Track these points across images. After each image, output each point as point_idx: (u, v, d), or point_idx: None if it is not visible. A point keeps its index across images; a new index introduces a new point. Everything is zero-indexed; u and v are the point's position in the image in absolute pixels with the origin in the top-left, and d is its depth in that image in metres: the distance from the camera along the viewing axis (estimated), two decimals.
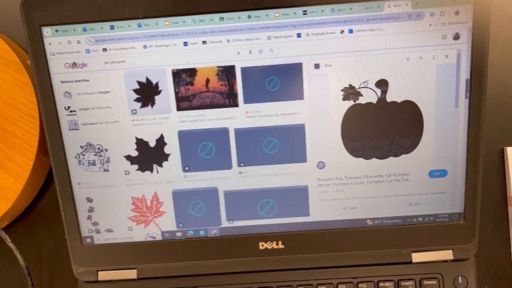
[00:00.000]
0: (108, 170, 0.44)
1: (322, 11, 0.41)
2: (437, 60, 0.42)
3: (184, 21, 0.41)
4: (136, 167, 0.44)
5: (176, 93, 0.42)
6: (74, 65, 0.42)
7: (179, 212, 0.45)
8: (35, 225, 0.51)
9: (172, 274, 0.46)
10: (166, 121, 0.43)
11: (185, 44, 0.41)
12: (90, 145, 0.43)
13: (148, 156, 0.44)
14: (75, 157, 0.44)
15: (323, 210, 0.45)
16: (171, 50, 0.42)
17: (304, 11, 0.41)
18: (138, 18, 0.41)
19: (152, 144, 0.44)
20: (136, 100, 0.43)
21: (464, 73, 0.42)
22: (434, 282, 0.45)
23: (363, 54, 0.41)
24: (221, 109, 0.43)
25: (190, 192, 0.45)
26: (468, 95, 0.42)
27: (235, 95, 0.42)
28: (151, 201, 0.45)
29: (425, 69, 0.42)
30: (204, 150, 0.44)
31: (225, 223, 0.46)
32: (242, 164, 0.44)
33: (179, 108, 0.43)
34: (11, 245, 0.46)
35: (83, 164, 0.44)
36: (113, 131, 0.43)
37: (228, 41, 0.41)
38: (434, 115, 0.43)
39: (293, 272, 0.46)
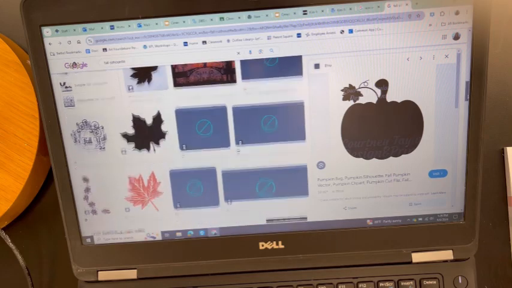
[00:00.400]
0: (104, 148, 0.44)
1: (322, 11, 0.41)
2: (437, 60, 0.42)
3: (184, 21, 0.41)
4: (132, 145, 0.44)
5: (173, 69, 0.42)
6: (74, 65, 0.42)
7: (177, 192, 0.45)
8: (35, 225, 0.51)
9: (172, 274, 0.46)
10: (163, 98, 0.43)
11: (185, 44, 0.41)
12: (86, 122, 0.43)
13: (145, 134, 0.43)
14: (71, 135, 0.43)
15: (323, 210, 0.45)
16: (171, 50, 0.42)
17: (304, 11, 0.41)
18: (138, 18, 0.41)
19: (149, 121, 0.43)
20: (133, 76, 0.42)
21: (464, 73, 0.42)
22: (434, 282, 0.45)
23: (363, 54, 0.41)
24: (219, 86, 0.42)
25: (188, 172, 0.44)
26: (468, 95, 0.42)
27: (233, 71, 0.42)
28: (148, 181, 0.44)
29: (425, 69, 0.42)
30: (201, 128, 0.43)
31: (223, 203, 0.45)
32: (240, 143, 0.44)
33: (176, 85, 0.42)
34: (11, 245, 0.46)
35: (79, 142, 0.43)
36: (109, 107, 0.43)
37: (228, 41, 0.41)
38: (434, 115, 0.43)
39: (293, 272, 0.46)
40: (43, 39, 0.41)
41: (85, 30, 0.41)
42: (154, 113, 0.43)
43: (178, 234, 0.46)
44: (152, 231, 0.46)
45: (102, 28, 0.41)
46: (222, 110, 0.43)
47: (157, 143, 0.44)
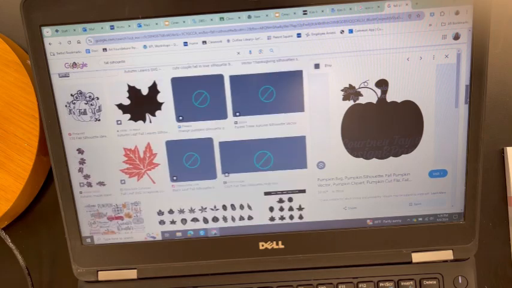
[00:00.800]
0: (99, 120, 0.43)
1: (322, 11, 0.41)
2: (437, 60, 0.42)
3: (184, 21, 0.41)
4: (128, 116, 0.43)
5: None
6: (74, 65, 0.42)
7: (173, 164, 0.44)
8: (35, 225, 0.51)
9: (172, 274, 0.46)
10: (159, 67, 0.42)
11: (185, 44, 0.41)
12: (80, 93, 0.43)
13: (141, 104, 0.43)
14: (66, 106, 0.43)
15: (323, 210, 0.45)
16: (171, 50, 0.42)
17: (304, 11, 0.41)
18: (138, 18, 0.41)
19: (145, 92, 0.43)
20: None
21: (465, 73, 0.42)
22: (434, 282, 0.45)
23: (363, 54, 0.41)
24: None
25: (185, 143, 0.44)
26: (468, 94, 0.42)
27: None
28: (144, 153, 0.44)
29: (425, 69, 0.42)
30: (198, 98, 0.43)
31: (220, 176, 0.45)
32: (238, 114, 0.43)
33: None
34: (11, 245, 0.46)
35: (74, 113, 0.43)
36: (104, 77, 0.42)
37: (228, 41, 0.41)
38: (434, 115, 0.43)
39: (293, 272, 0.46)
40: (43, 39, 0.41)
41: (85, 30, 0.41)
42: (150, 83, 0.43)
43: (178, 234, 0.46)
44: (152, 231, 0.46)
45: (102, 28, 0.41)
46: (219, 79, 0.42)
47: (153, 114, 0.43)
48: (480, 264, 0.49)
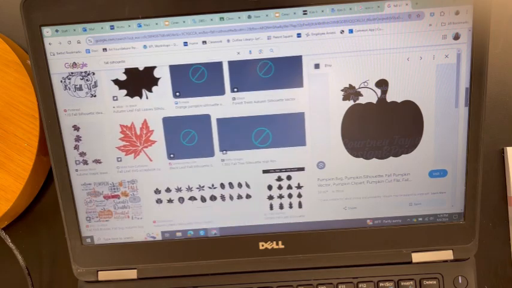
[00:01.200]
0: (95, 96, 0.43)
1: (322, 11, 0.41)
2: (437, 60, 0.42)
3: (184, 21, 0.41)
4: (124, 92, 0.43)
5: None
6: (74, 65, 0.42)
7: (170, 141, 0.44)
8: (35, 225, 0.51)
9: (172, 274, 0.46)
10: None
11: (185, 44, 0.41)
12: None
13: (137, 80, 0.42)
14: (61, 81, 0.42)
15: (323, 210, 0.45)
16: (171, 50, 0.42)
17: (304, 11, 0.41)
18: (138, 18, 0.41)
19: (141, 67, 0.43)
20: None
21: (464, 73, 0.42)
22: (434, 282, 0.45)
23: (363, 54, 0.41)
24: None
25: (182, 120, 0.43)
26: (468, 94, 0.42)
27: None
28: (140, 129, 0.43)
29: (425, 69, 0.42)
30: (195, 74, 0.42)
31: (218, 154, 0.44)
32: (235, 90, 0.43)
33: None
34: (11, 245, 0.46)
35: (69, 89, 0.43)
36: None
37: (228, 41, 0.41)
38: (434, 115, 0.43)
39: (293, 272, 0.46)
40: (43, 39, 0.41)
41: (85, 30, 0.41)
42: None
43: (178, 234, 0.46)
44: (152, 231, 0.46)
45: (102, 28, 0.41)
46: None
47: (150, 90, 0.43)
48: (480, 264, 0.49)
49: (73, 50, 0.42)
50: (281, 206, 0.45)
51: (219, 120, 0.43)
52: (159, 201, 0.45)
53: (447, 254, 0.45)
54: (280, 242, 0.45)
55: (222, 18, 0.41)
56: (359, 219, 0.45)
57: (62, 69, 0.42)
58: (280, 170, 0.44)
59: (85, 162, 0.44)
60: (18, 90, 0.46)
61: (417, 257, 0.45)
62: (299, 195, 0.45)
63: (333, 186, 0.45)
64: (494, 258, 0.50)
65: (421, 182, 0.44)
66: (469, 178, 0.44)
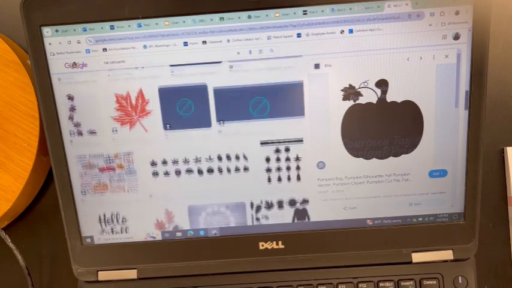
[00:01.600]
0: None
1: (322, 11, 0.41)
2: (437, 60, 0.42)
3: (184, 21, 0.41)
4: None
5: None
6: (74, 65, 0.42)
7: (166, 111, 0.43)
8: (35, 225, 0.51)
9: (172, 274, 0.46)
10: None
11: (185, 44, 0.41)
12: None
13: None
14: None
15: (323, 210, 0.45)
16: (171, 50, 0.42)
17: (304, 11, 0.41)
18: (138, 18, 0.41)
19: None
20: None
21: (464, 73, 0.42)
22: (434, 282, 0.45)
23: (363, 54, 0.41)
24: None
25: (178, 89, 0.43)
26: (468, 94, 0.42)
27: None
28: (136, 99, 0.43)
29: (425, 69, 0.42)
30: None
31: (215, 124, 0.43)
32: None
33: None
34: (11, 245, 0.46)
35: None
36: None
37: (228, 41, 0.41)
38: (434, 115, 0.43)
39: (293, 272, 0.46)
40: (43, 39, 0.41)
41: (85, 30, 0.41)
42: None
43: (178, 234, 0.46)
44: (152, 231, 0.46)
45: (102, 28, 0.41)
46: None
47: None
48: (480, 264, 0.49)
49: (73, 50, 0.42)
50: (279, 179, 0.45)
51: (216, 90, 0.43)
52: (155, 174, 0.45)
53: (447, 254, 0.45)
54: (280, 242, 0.45)
55: (222, 18, 0.41)
56: (359, 219, 0.45)
57: (62, 69, 0.42)
58: (279, 142, 0.44)
59: (80, 133, 0.43)
60: (18, 90, 0.46)
61: (417, 257, 0.45)
62: (297, 168, 0.44)
63: (333, 186, 0.45)
64: (494, 258, 0.50)
65: (421, 182, 0.44)
66: (469, 178, 0.44)
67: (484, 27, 0.41)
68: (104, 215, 0.45)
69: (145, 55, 0.42)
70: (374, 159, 0.44)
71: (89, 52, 0.42)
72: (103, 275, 0.46)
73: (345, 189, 0.45)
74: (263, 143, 0.44)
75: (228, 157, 0.44)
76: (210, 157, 0.44)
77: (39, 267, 0.51)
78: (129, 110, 0.43)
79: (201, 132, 0.44)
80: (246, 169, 0.45)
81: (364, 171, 0.44)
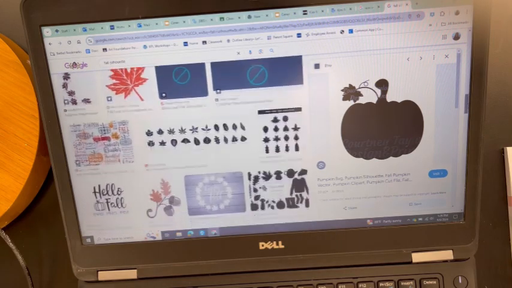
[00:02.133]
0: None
1: (322, 11, 0.41)
2: (437, 60, 0.42)
3: (184, 21, 0.41)
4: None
5: None
6: (74, 65, 0.42)
7: (162, 79, 0.42)
8: (35, 225, 0.51)
9: (172, 274, 0.46)
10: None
11: (185, 44, 0.41)
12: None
13: None
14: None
15: (323, 210, 0.45)
16: (171, 50, 0.42)
17: (304, 11, 0.41)
18: (138, 18, 0.41)
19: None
20: None
21: (465, 73, 0.42)
22: (434, 282, 0.45)
23: (363, 54, 0.41)
24: None
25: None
26: (468, 94, 0.42)
27: None
28: (131, 67, 0.42)
29: (425, 69, 0.42)
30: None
31: (211, 93, 0.42)
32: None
33: None
34: (11, 245, 0.46)
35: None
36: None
37: (228, 41, 0.41)
38: (434, 115, 0.43)
39: (293, 272, 0.46)
40: (43, 39, 0.41)
41: (85, 30, 0.41)
42: None
43: (179, 234, 0.46)
44: (152, 232, 0.46)
45: (102, 28, 0.41)
46: None
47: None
48: (480, 264, 0.49)
49: (73, 50, 0.42)
50: (277, 149, 0.44)
51: (213, 63, 0.42)
52: (151, 143, 0.44)
53: (447, 254, 0.45)
54: (280, 242, 0.45)
55: (222, 18, 0.41)
56: (359, 219, 0.45)
57: (62, 69, 0.42)
58: (277, 111, 0.43)
59: (74, 102, 0.43)
60: (18, 90, 0.46)
61: (417, 257, 0.45)
62: (296, 138, 0.44)
63: (333, 186, 0.45)
64: (494, 258, 0.50)
65: (421, 182, 0.44)
66: (469, 178, 0.44)
67: (484, 27, 0.41)
68: (99, 186, 0.45)
69: (146, 55, 0.42)
70: (374, 159, 0.44)
71: (89, 52, 0.42)
72: (103, 275, 0.46)
73: (345, 189, 0.45)
74: (261, 112, 0.43)
75: (225, 126, 0.43)
76: (206, 126, 0.43)
77: (39, 267, 0.51)
78: (124, 77, 0.42)
79: (197, 101, 0.43)
80: (243, 139, 0.44)
81: (364, 171, 0.44)
